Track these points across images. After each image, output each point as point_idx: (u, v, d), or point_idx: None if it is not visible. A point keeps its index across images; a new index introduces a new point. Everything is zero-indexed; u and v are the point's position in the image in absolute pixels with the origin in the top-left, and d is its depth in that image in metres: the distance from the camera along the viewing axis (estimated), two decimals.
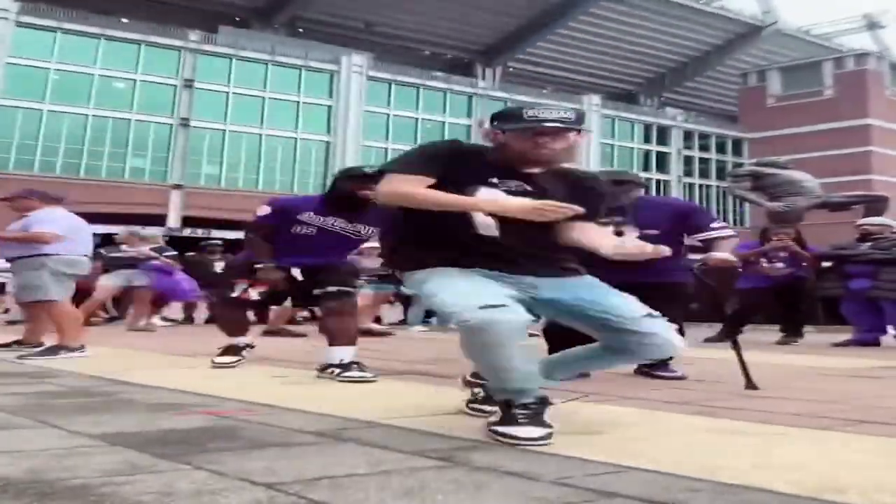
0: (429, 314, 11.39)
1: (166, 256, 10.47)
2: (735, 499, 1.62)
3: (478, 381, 2.82)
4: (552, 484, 1.72)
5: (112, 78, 37.71)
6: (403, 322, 11.21)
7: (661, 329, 2.43)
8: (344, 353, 4.10)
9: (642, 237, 3.37)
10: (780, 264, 8.34)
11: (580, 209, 2.44)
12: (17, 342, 5.85)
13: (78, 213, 6.10)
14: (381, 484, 1.71)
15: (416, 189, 2.48)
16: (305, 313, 10.97)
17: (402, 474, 1.80)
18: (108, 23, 38.12)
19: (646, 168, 51.40)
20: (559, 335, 3.12)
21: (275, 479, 1.73)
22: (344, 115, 41.73)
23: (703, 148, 54.03)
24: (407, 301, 11.15)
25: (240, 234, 5.77)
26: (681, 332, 2.75)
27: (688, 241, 4.55)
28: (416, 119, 44.58)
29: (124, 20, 39.30)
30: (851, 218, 10.56)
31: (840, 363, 5.49)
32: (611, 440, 2.30)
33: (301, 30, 48.20)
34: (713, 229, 4.44)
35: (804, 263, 8.41)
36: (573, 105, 47.30)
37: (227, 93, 39.70)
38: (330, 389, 3.70)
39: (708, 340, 8.27)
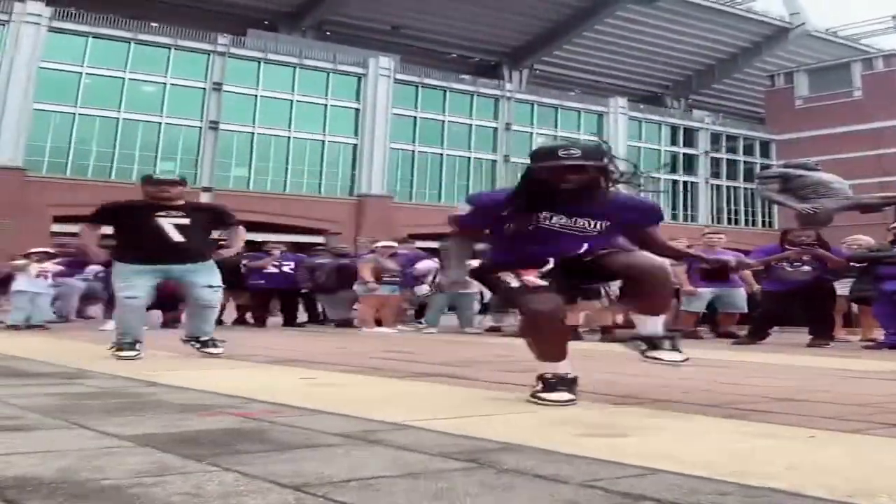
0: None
1: None
2: (764, 502, 1.61)
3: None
4: (580, 486, 1.72)
5: (142, 82, 38.10)
6: (418, 323, 11.23)
7: None
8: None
9: None
10: (805, 267, 8.26)
11: None
12: None
13: None
14: (409, 486, 1.71)
15: None
16: None
17: (429, 476, 1.80)
18: (139, 27, 38.51)
19: (673, 170, 51.09)
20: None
21: (302, 481, 1.74)
22: (371, 118, 41.84)
23: (731, 150, 53.59)
24: (421, 303, 11.17)
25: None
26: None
27: None
28: (443, 121, 44.59)
29: (154, 25, 39.66)
30: (882, 220, 10.42)
31: (871, 366, 5.42)
32: (639, 443, 2.29)
33: (329, 33, 48.40)
34: None
35: (828, 265, 8.33)
36: (601, 108, 47.19)
37: (256, 96, 39.95)
38: (356, 391, 3.71)
39: (736, 343, 8.22)
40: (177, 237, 5.58)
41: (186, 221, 5.65)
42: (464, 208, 3.51)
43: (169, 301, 10.93)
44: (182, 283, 5.78)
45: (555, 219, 3.29)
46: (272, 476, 1.79)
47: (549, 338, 3.28)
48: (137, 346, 5.43)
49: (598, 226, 3.30)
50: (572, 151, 3.22)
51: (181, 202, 5.77)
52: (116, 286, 5.63)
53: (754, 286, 9.73)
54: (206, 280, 5.72)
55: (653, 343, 3.29)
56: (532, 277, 3.23)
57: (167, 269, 5.62)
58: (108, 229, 5.87)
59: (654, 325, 3.31)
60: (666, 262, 3.38)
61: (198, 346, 5.73)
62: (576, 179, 3.20)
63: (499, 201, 3.41)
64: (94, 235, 5.89)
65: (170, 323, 10.76)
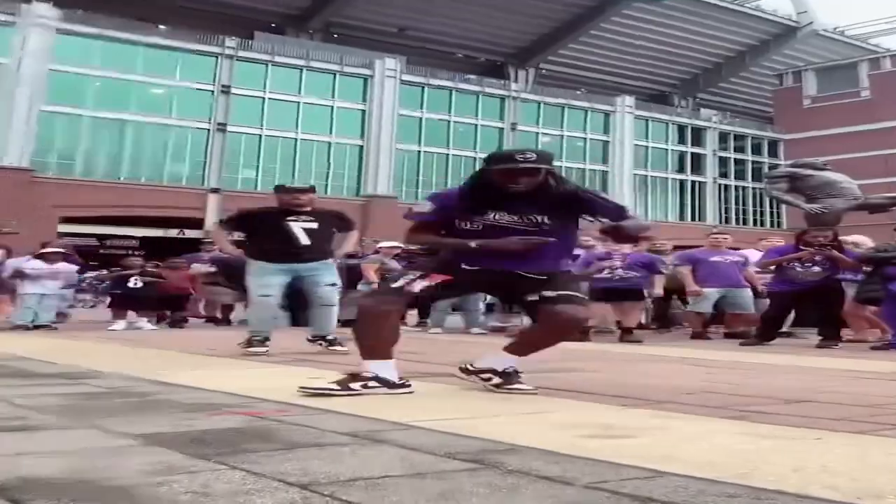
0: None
1: None
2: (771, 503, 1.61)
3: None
4: (586, 488, 1.72)
5: (151, 84, 38.22)
6: (423, 324, 11.22)
7: None
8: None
9: None
10: (816, 268, 8.24)
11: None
12: None
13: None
14: (415, 486, 1.71)
15: None
16: None
17: (435, 477, 1.80)
18: (147, 30, 38.64)
19: (681, 170, 51.01)
20: None
21: (309, 480, 1.74)
22: (377, 119, 41.89)
23: (739, 149, 53.46)
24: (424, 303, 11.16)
25: None
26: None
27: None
28: (449, 122, 44.61)
29: (162, 27, 39.80)
30: (890, 220, 10.38)
31: (879, 366, 5.40)
32: (645, 444, 2.29)
33: (335, 35, 48.46)
34: None
35: (841, 267, 8.31)
36: (607, 107, 47.13)
37: (263, 98, 40.05)
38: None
39: (743, 344, 8.20)
40: (305, 240, 6.11)
41: (314, 225, 6.19)
42: (424, 205, 3.78)
43: (172, 301, 10.98)
44: (305, 282, 6.23)
45: (503, 217, 3.54)
46: (279, 475, 1.79)
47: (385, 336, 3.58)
48: (267, 343, 5.88)
49: (545, 220, 3.54)
50: (528, 155, 3.51)
51: (310, 208, 6.29)
52: (251, 286, 6.13)
53: (759, 287, 9.72)
54: (328, 279, 6.25)
55: (509, 378, 3.58)
56: (429, 283, 3.59)
57: (295, 268, 6.11)
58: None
59: (511, 361, 3.61)
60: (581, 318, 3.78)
61: (325, 344, 6.13)
62: (526, 181, 3.49)
63: (453, 197, 3.69)
64: (225, 237, 6.64)
65: (177, 323, 10.79)
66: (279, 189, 6.41)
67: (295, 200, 6.22)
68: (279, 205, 6.26)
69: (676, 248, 11.05)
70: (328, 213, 6.63)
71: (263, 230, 6.18)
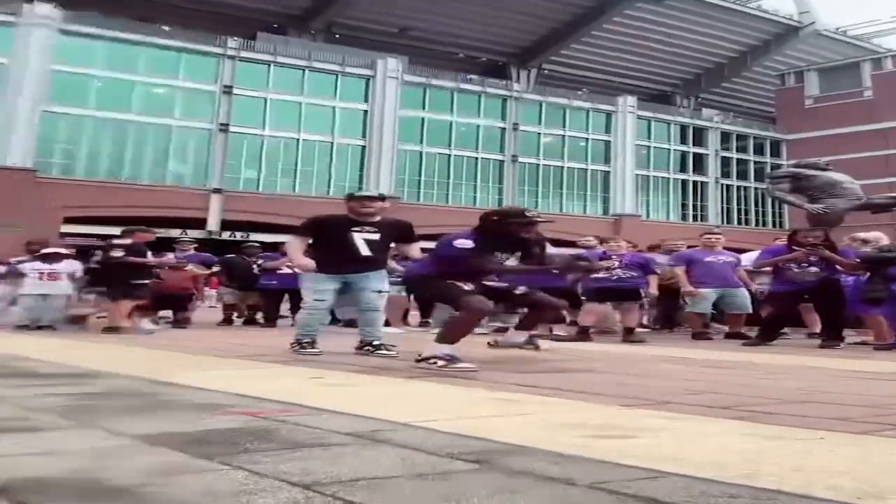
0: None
1: None
2: None
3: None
4: (589, 488, 1.72)
5: (153, 84, 38.26)
6: (426, 323, 11.22)
7: None
8: None
9: None
10: (813, 268, 8.23)
11: None
12: None
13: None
14: (417, 486, 1.72)
15: None
16: None
17: (437, 477, 1.81)
18: (150, 30, 38.67)
19: (682, 170, 50.96)
20: None
21: (311, 480, 1.75)
22: (379, 120, 41.90)
23: (741, 149, 53.42)
24: (427, 304, 11.16)
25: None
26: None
27: None
28: (451, 122, 44.60)
29: (165, 28, 39.82)
30: (892, 219, 10.37)
31: (881, 367, 5.40)
32: (648, 445, 2.29)
33: (337, 35, 48.47)
34: None
35: (837, 266, 8.29)
36: (609, 107, 46.96)
37: (265, 98, 40.07)
38: (365, 391, 3.72)
39: (746, 345, 8.19)
40: (365, 251, 6.17)
41: (376, 237, 6.22)
42: (467, 243, 5.13)
43: (174, 301, 10.97)
44: (353, 288, 6.29)
45: (507, 258, 5.33)
46: (282, 475, 1.79)
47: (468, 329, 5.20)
48: (317, 345, 6.03)
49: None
50: (533, 212, 5.40)
51: (377, 218, 6.33)
52: (307, 291, 6.27)
53: (752, 286, 9.73)
54: (376, 285, 6.28)
55: (452, 360, 4.77)
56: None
57: (348, 277, 6.22)
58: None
59: (446, 349, 4.90)
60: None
61: (371, 350, 6.05)
62: (533, 230, 5.29)
63: (466, 249, 5.12)
64: (301, 249, 6.39)
65: (180, 323, 10.79)
66: (351, 197, 6.46)
67: (364, 209, 6.27)
68: (349, 213, 6.31)
69: (690, 248, 11.04)
70: (391, 223, 6.57)
71: (327, 239, 6.23)
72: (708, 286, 9.58)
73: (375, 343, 6.10)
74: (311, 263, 6.19)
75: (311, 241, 6.31)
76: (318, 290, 6.17)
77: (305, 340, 6.05)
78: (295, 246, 6.44)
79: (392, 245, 6.69)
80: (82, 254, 11.47)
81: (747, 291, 9.71)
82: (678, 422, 2.76)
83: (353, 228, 6.19)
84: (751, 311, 9.64)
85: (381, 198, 6.56)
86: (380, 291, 6.35)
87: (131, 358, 5.52)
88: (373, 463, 1.96)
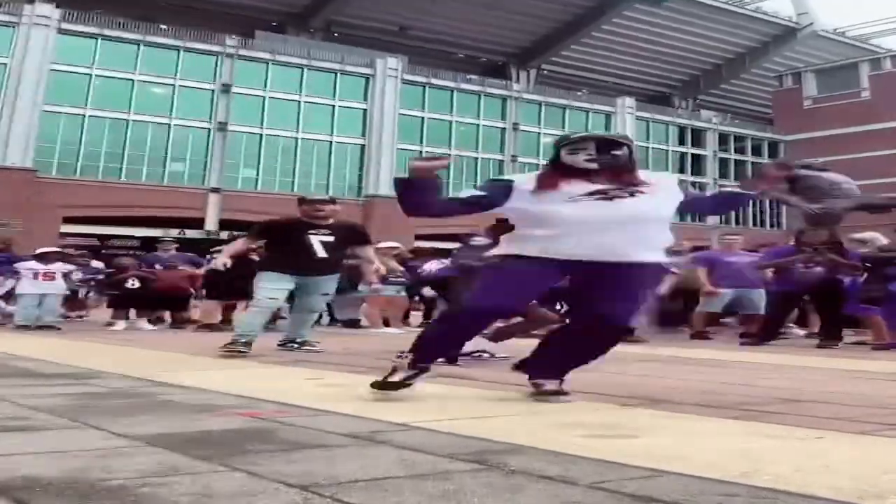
0: None
1: None
2: (772, 503, 1.61)
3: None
4: (588, 488, 1.72)
5: (151, 83, 38.24)
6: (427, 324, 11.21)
7: None
8: None
9: None
10: (817, 269, 8.23)
11: None
12: None
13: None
14: (416, 487, 1.71)
15: None
16: None
17: (437, 477, 1.80)
18: (148, 29, 38.66)
19: (681, 170, 50.96)
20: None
21: (310, 481, 1.74)
22: (379, 119, 41.90)
23: (739, 150, 53.45)
24: (429, 304, 11.16)
25: None
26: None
27: None
28: (451, 122, 44.60)
29: (163, 27, 39.80)
30: (890, 220, 10.36)
31: (880, 367, 5.40)
32: (647, 444, 2.29)
33: (336, 34, 48.46)
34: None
35: (841, 269, 8.29)
36: (608, 108, 46.92)
37: (264, 97, 40.05)
38: (363, 392, 3.72)
39: (744, 343, 8.19)
40: (321, 253, 6.23)
41: (331, 239, 6.28)
42: None
43: (173, 302, 10.96)
44: (305, 290, 6.35)
45: None
46: (280, 476, 1.79)
47: None
48: (250, 347, 5.75)
49: None
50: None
51: (331, 220, 6.40)
52: (261, 290, 6.16)
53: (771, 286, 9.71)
54: (325, 289, 6.45)
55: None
56: None
57: (304, 279, 6.22)
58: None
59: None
60: None
61: (296, 346, 6.26)
62: None
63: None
64: (245, 245, 6.81)
65: (178, 323, 10.78)
66: (303, 200, 6.53)
67: (317, 212, 6.35)
68: (301, 216, 6.40)
69: (696, 248, 10.99)
70: (345, 226, 6.70)
71: (284, 241, 6.29)
72: (726, 286, 9.55)
73: (300, 340, 6.32)
74: (227, 261, 6.38)
75: (262, 244, 6.59)
76: (274, 289, 6.13)
77: (243, 341, 5.72)
78: (237, 244, 6.74)
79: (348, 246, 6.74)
80: (95, 253, 11.50)
81: (765, 292, 9.67)
82: (678, 421, 2.76)
83: (309, 231, 6.27)
84: (762, 311, 9.61)
85: (333, 201, 6.65)
86: (326, 294, 6.62)
87: (131, 358, 5.51)
88: (372, 464, 1.96)
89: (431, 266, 7.69)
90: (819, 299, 8.38)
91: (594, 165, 3.24)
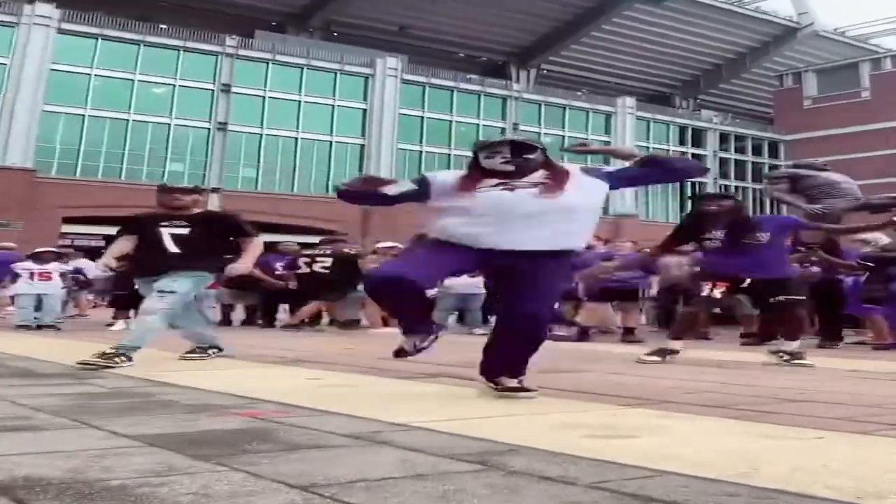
0: (461, 317, 11.42)
1: None
2: (772, 503, 1.61)
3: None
4: (588, 488, 1.72)
5: (151, 83, 38.23)
6: None
7: None
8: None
9: None
10: (814, 268, 8.23)
11: None
12: None
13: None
14: (416, 487, 1.71)
15: None
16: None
17: (437, 478, 1.80)
18: (148, 29, 38.63)
19: None
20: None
21: (310, 482, 1.74)
22: (378, 118, 41.88)
23: (740, 150, 53.46)
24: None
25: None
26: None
27: None
28: (451, 122, 44.60)
29: (163, 26, 39.78)
30: (892, 220, 10.33)
31: (880, 366, 5.40)
32: (647, 444, 2.29)
33: (336, 33, 48.45)
34: None
35: (834, 269, 8.29)
36: (608, 108, 47.07)
37: (264, 97, 40.04)
38: (364, 392, 3.72)
39: (744, 344, 8.19)
40: (173, 248, 5.33)
41: (185, 231, 5.38)
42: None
43: None
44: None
45: None
46: (280, 476, 1.79)
47: None
48: (133, 357, 4.96)
49: None
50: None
51: (191, 212, 5.51)
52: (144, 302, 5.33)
53: None
54: (162, 285, 5.22)
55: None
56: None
57: (157, 279, 5.28)
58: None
59: None
60: None
61: (208, 354, 5.52)
62: None
63: None
64: (120, 247, 5.62)
65: None
66: (162, 189, 5.71)
67: (175, 202, 5.49)
68: (159, 206, 5.58)
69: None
70: (206, 216, 5.70)
71: (141, 238, 5.44)
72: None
73: (208, 346, 5.54)
74: (111, 262, 5.50)
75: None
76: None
77: (129, 354, 4.92)
78: (114, 247, 5.61)
79: (220, 242, 5.63)
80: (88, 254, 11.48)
81: None
82: (678, 421, 2.76)
83: (161, 224, 5.39)
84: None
85: (196, 190, 5.82)
86: (161, 291, 5.23)
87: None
88: (372, 464, 1.96)
89: None
90: (819, 299, 8.38)
91: (510, 167, 3.44)
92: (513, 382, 3.41)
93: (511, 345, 3.49)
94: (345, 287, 10.68)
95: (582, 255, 9.44)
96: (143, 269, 5.44)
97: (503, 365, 3.47)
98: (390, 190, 3.56)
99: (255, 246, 5.65)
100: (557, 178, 3.41)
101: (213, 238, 5.50)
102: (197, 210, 5.58)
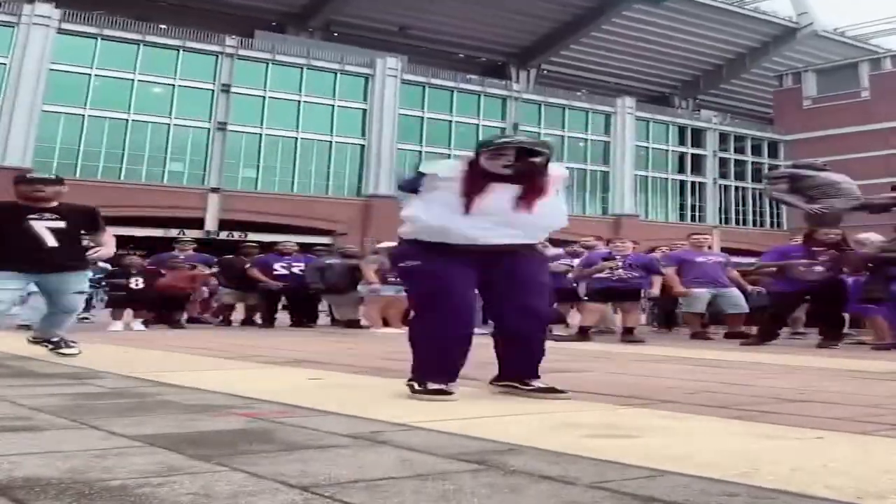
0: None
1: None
2: (772, 503, 1.61)
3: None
4: (588, 488, 1.72)
5: (151, 83, 38.27)
6: None
7: None
8: None
9: None
10: (818, 268, 8.22)
11: None
12: None
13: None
14: (416, 487, 1.71)
15: None
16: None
17: (436, 478, 1.80)
18: (147, 29, 38.69)
19: (681, 170, 50.99)
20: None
21: (310, 482, 1.74)
22: (378, 119, 41.92)
23: (739, 150, 53.51)
24: None
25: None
26: None
27: None
28: (451, 122, 44.62)
29: (163, 26, 39.83)
30: (891, 220, 10.35)
31: (881, 366, 5.39)
32: (648, 444, 2.29)
33: (336, 34, 48.49)
34: None
35: (844, 267, 8.29)
36: (608, 108, 47.20)
37: (264, 97, 40.07)
38: (364, 392, 3.71)
39: (745, 344, 8.19)
40: (51, 241, 5.18)
41: (62, 224, 5.24)
42: None
43: (172, 301, 10.95)
44: (49, 290, 5.38)
45: None
46: (280, 476, 1.79)
47: None
48: None
49: None
50: None
51: (55, 203, 5.32)
52: None
53: (747, 287, 9.75)
54: (77, 286, 5.38)
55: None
56: None
57: (41, 277, 5.24)
58: None
59: None
60: None
61: (50, 346, 5.48)
62: None
63: None
64: None
65: (178, 323, 10.77)
66: (20, 180, 5.43)
67: (37, 193, 5.24)
68: (18, 198, 5.29)
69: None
70: (74, 209, 5.50)
71: (2, 231, 5.15)
72: (701, 286, 9.58)
73: (55, 340, 5.47)
74: None
75: None
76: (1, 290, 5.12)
77: None
78: None
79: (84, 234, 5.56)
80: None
81: (739, 291, 9.71)
82: (678, 421, 2.76)
83: (29, 216, 5.15)
84: (747, 309, 9.62)
85: (59, 180, 5.52)
86: (82, 292, 5.58)
87: (130, 358, 5.51)
88: (371, 464, 1.95)
89: None
90: (820, 299, 8.37)
91: (509, 172, 3.38)
92: (541, 383, 3.41)
93: (518, 345, 3.52)
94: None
95: (584, 255, 9.49)
96: (17, 265, 5.13)
97: (520, 366, 3.48)
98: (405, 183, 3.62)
99: (112, 236, 5.73)
100: (537, 191, 3.41)
101: (80, 230, 5.46)
102: (60, 202, 5.38)
